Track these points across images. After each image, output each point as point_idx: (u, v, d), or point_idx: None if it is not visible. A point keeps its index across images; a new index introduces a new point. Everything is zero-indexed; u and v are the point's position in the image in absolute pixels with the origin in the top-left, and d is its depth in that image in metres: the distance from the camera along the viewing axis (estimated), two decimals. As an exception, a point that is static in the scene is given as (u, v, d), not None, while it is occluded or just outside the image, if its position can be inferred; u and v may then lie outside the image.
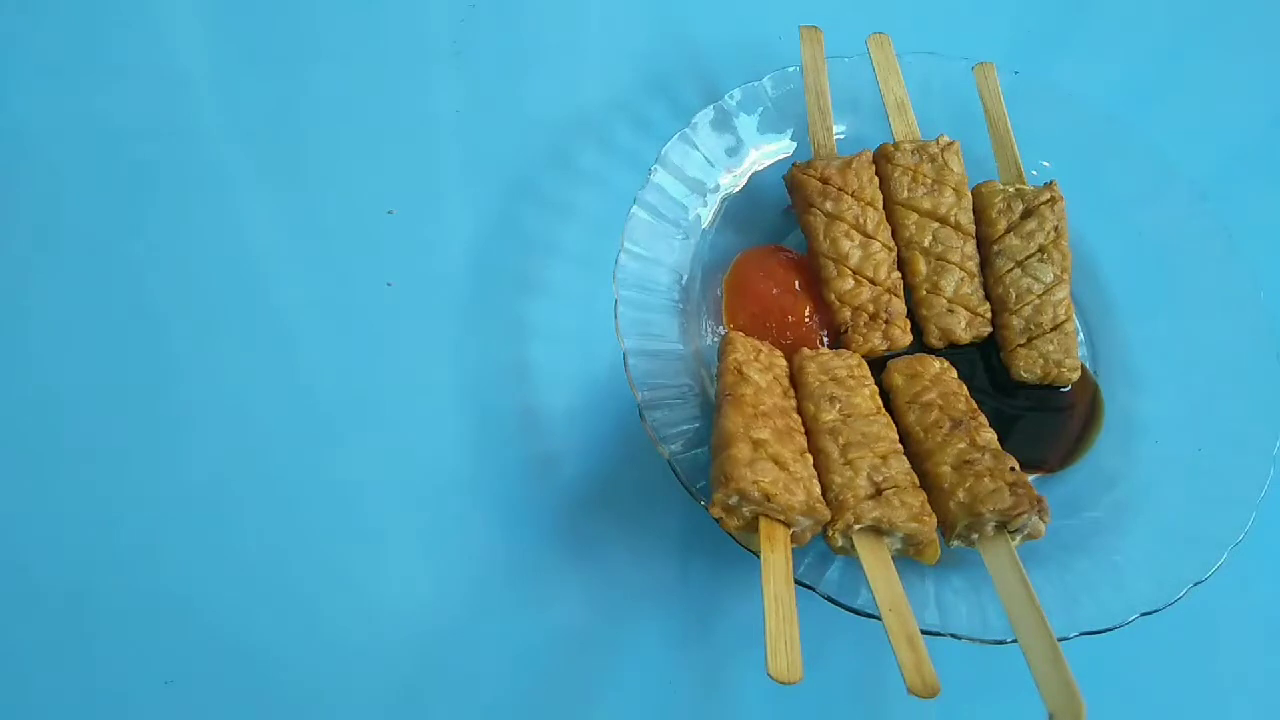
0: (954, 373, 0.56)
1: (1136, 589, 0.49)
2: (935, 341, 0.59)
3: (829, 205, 0.58)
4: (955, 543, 0.49)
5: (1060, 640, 0.41)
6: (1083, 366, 0.60)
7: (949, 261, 0.59)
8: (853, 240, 0.58)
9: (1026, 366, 0.59)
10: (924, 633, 0.42)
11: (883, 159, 0.60)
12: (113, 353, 0.56)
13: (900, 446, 0.51)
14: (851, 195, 0.58)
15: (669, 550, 0.54)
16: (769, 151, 0.64)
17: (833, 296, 0.58)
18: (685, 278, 0.59)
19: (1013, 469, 0.49)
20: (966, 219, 0.60)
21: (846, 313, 0.58)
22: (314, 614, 0.51)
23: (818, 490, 0.47)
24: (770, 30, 0.71)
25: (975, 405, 0.54)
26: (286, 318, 0.59)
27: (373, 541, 0.53)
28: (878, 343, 0.58)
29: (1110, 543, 0.52)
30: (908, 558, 0.49)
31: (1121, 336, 0.62)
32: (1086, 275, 0.63)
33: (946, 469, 0.50)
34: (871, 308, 0.58)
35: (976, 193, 0.61)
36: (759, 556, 0.44)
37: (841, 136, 0.64)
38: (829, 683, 0.52)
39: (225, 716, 0.49)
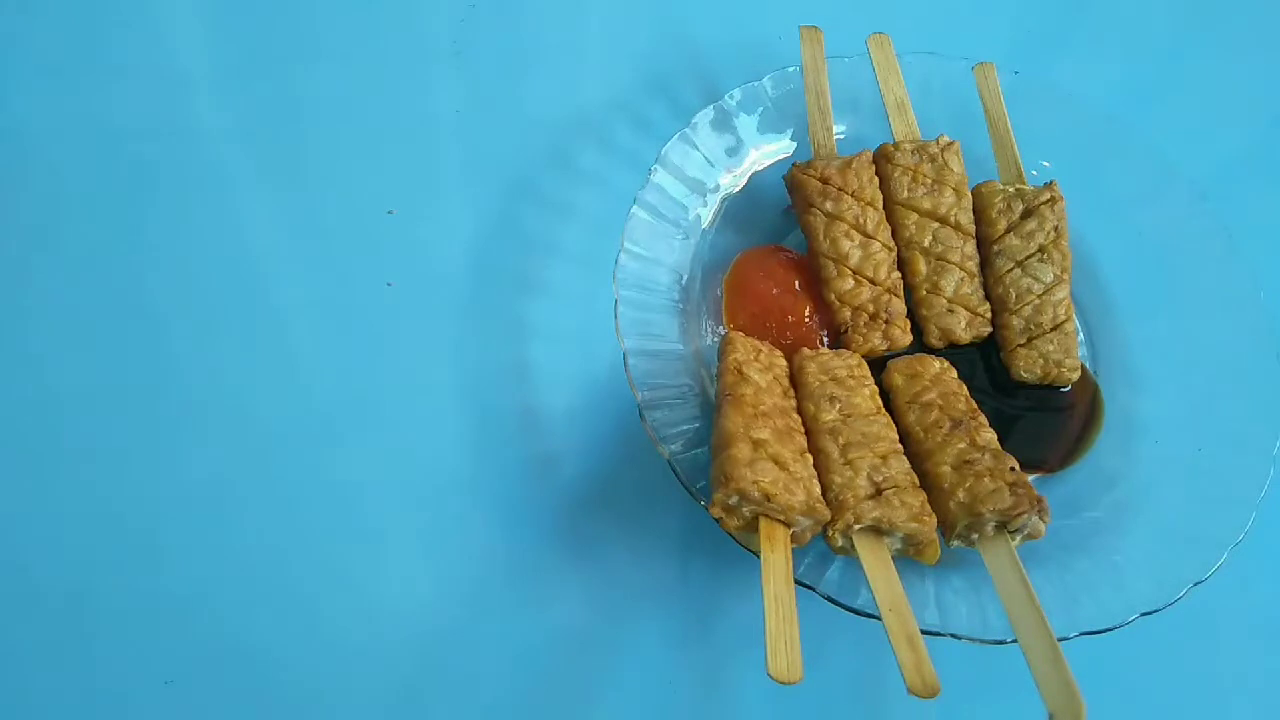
0: (954, 373, 0.56)
1: (1136, 589, 0.49)
2: (935, 341, 0.59)
3: (829, 205, 0.58)
4: (955, 543, 0.49)
5: (1060, 640, 0.41)
6: (1083, 366, 0.60)
7: (949, 261, 0.59)
8: (853, 240, 0.58)
9: (1026, 366, 0.59)
10: (924, 633, 0.42)
11: (883, 159, 0.60)
12: (113, 353, 0.56)
13: (900, 446, 0.51)
14: (851, 195, 0.58)
15: (669, 550, 0.54)
16: (769, 151, 0.64)
17: (833, 296, 0.58)
18: (685, 278, 0.59)
19: (1013, 469, 0.49)
20: (966, 219, 0.60)
21: (846, 313, 0.58)
22: (314, 614, 0.51)
23: (818, 490, 0.47)
24: (770, 30, 0.71)
25: (975, 405, 0.54)
26: (286, 318, 0.59)
27: (373, 541, 0.53)
28: (878, 343, 0.58)
29: (1110, 543, 0.52)
30: (908, 558, 0.49)
31: (1121, 336, 0.62)
32: (1086, 275, 0.63)
33: (946, 469, 0.50)
34: (871, 308, 0.58)
35: (976, 193, 0.61)
36: (759, 556, 0.44)
37: (841, 136, 0.64)
38: (829, 683, 0.52)
39: (225, 716, 0.49)
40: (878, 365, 0.57)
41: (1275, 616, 0.58)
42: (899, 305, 0.58)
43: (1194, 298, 0.61)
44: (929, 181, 0.60)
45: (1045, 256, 0.59)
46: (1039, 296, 0.59)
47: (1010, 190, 0.61)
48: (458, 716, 0.50)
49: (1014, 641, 0.42)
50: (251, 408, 0.56)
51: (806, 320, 0.58)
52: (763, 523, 0.45)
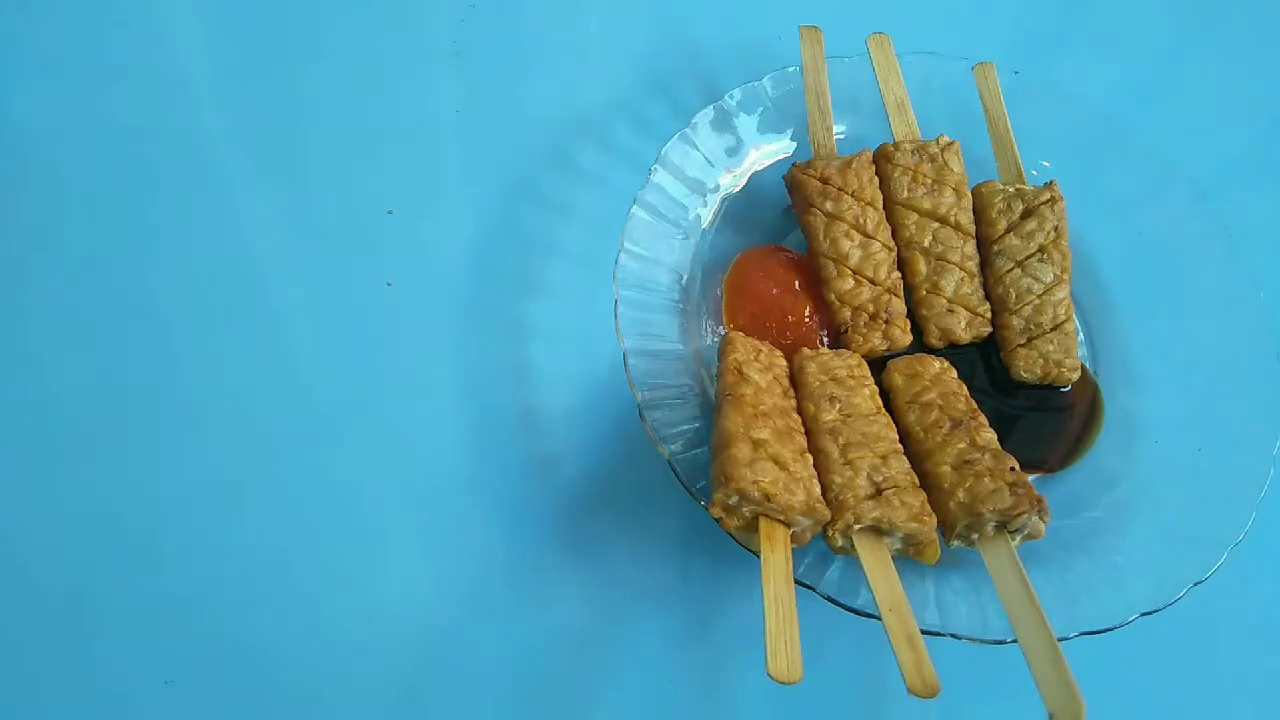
0: (954, 373, 0.56)
1: (1136, 589, 0.49)
2: (935, 341, 0.59)
3: (829, 205, 0.58)
4: (955, 543, 0.49)
5: (1060, 640, 0.41)
6: (1083, 366, 0.60)
7: (949, 261, 0.59)
8: (853, 240, 0.58)
9: (1026, 366, 0.59)
10: (924, 633, 0.42)
11: (883, 159, 0.60)
12: (113, 353, 0.56)
13: (900, 446, 0.51)
14: (851, 195, 0.58)
15: (669, 550, 0.54)
16: (769, 151, 0.64)
17: (833, 296, 0.58)
18: (685, 278, 0.59)
19: (1013, 469, 0.49)
20: (966, 219, 0.60)
21: (846, 313, 0.58)
22: (314, 614, 0.51)
23: (818, 490, 0.47)
24: (770, 30, 0.71)
25: (975, 405, 0.54)
26: (286, 318, 0.59)
27: (373, 541, 0.53)
28: (878, 343, 0.58)
29: (1110, 543, 0.52)
30: (908, 558, 0.49)
31: (1121, 336, 0.62)
32: (1086, 275, 0.63)
33: (946, 469, 0.50)
34: (871, 308, 0.58)
35: (976, 193, 0.61)
36: (759, 556, 0.44)
37: (841, 136, 0.64)
38: (829, 683, 0.52)
39: (225, 716, 0.49)
40: (878, 365, 0.57)
41: (1275, 616, 0.58)
42: (899, 305, 0.58)
43: (1194, 298, 0.61)
44: (929, 181, 0.60)
45: (1045, 256, 0.59)
46: (1039, 296, 0.59)
47: (1010, 190, 0.61)
48: (458, 716, 0.50)
49: (1014, 641, 0.42)
50: (251, 408, 0.56)
51: (806, 320, 0.58)
52: (763, 523, 0.45)
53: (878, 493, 0.48)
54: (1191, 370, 0.59)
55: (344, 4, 0.71)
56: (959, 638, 0.46)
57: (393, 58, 0.69)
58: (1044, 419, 0.59)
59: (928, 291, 0.59)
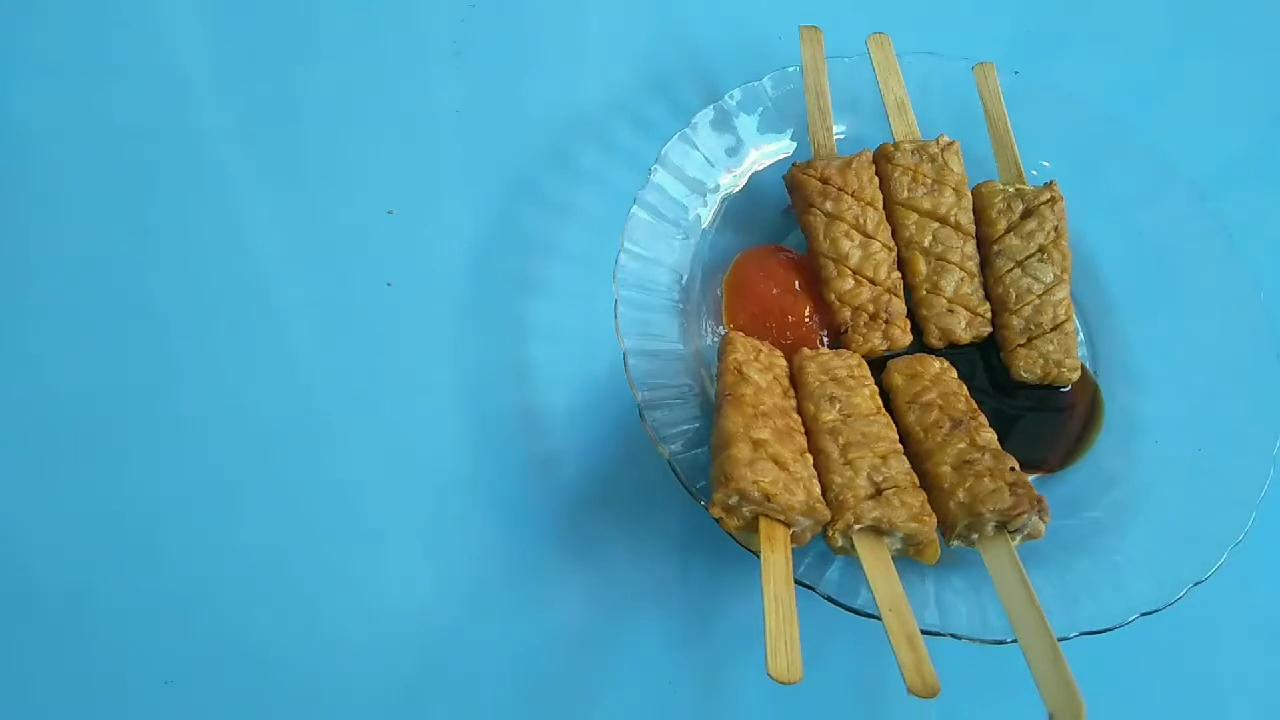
0: (954, 373, 0.56)
1: (1136, 589, 0.49)
2: (935, 341, 0.59)
3: (829, 205, 0.58)
4: (955, 543, 0.49)
5: (1060, 640, 0.41)
6: (1083, 366, 0.60)
7: (949, 261, 0.59)
8: (853, 240, 0.58)
9: (1026, 366, 0.59)
10: (924, 633, 0.42)
11: (883, 159, 0.60)
12: (113, 353, 0.56)
13: (900, 446, 0.51)
14: (851, 195, 0.58)
15: (669, 550, 0.54)
16: (769, 151, 0.64)
17: (833, 296, 0.58)
18: (685, 278, 0.59)
19: (1013, 469, 0.49)
20: (966, 219, 0.60)
21: (846, 313, 0.58)
22: (314, 614, 0.51)
23: (818, 490, 0.47)
24: (770, 30, 0.71)
25: (975, 405, 0.54)
26: (286, 318, 0.59)
27: (373, 541, 0.53)
28: (878, 343, 0.58)
29: (1110, 543, 0.52)
30: (908, 558, 0.49)
31: (1121, 336, 0.62)
32: (1086, 275, 0.63)
33: (946, 469, 0.50)
34: (871, 308, 0.58)
35: (976, 193, 0.61)
36: (759, 556, 0.44)
37: (841, 136, 0.64)
38: (829, 683, 0.52)
39: (225, 716, 0.49)
40: (878, 365, 0.57)
41: (1275, 616, 0.58)
42: (899, 305, 0.58)
43: (1194, 298, 0.61)
44: (929, 181, 0.60)
45: (1045, 256, 0.59)
46: (1039, 296, 0.59)
47: (1010, 190, 0.61)
48: (458, 716, 0.50)
49: (1014, 641, 0.42)
50: (252, 407, 0.56)
51: (806, 320, 0.58)
52: (763, 523, 0.45)
53: (878, 493, 0.48)
54: (1191, 370, 0.59)
55: (344, 4, 0.71)
56: (959, 638, 0.46)
57: (393, 58, 0.69)
58: (1044, 419, 0.59)
59: (928, 291, 0.59)
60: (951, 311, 0.59)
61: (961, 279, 0.59)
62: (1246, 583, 0.55)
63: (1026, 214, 0.60)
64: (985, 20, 0.79)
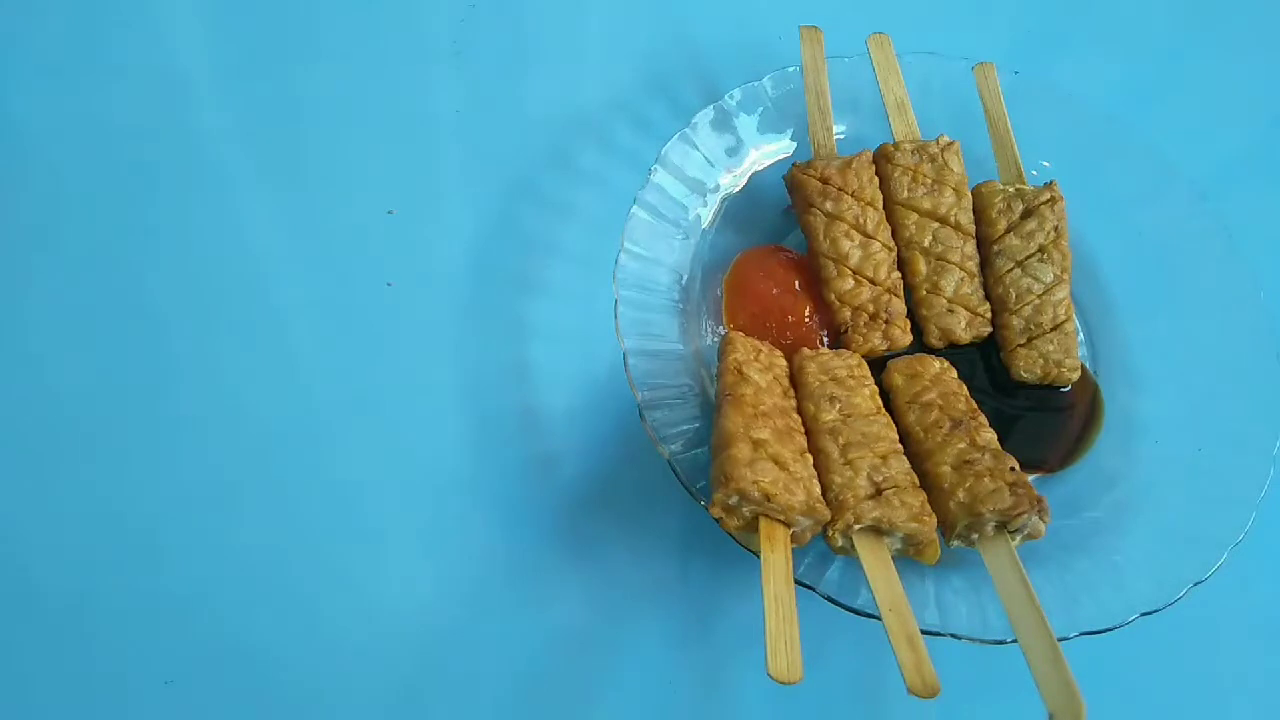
0: (954, 373, 0.56)
1: (1136, 589, 0.49)
2: (935, 341, 0.59)
3: (829, 205, 0.58)
4: (955, 543, 0.49)
5: (1060, 640, 0.41)
6: (1083, 366, 0.60)
7: (949, 261, 0.59)
8: (853, 240, 0.58)
9: (1026, 366, 0.59)
10: (924, 633, 0.42)
11: (883, 159, 0.60)
12: (113, 353, 0.56)
13: (900, 446, 0.51)
14: (851, 195, 0.58)
15: (669, 550, 0.54)
16: (769, 151, 0.64)
17: (833, 296, 0.58)
18: (685, 278, 0.59)
19: (1013, 469, 0.49)
20: (966, 219, 0.60)
21: (846, 313, 0.58)
22: (314, 614, 0.51)
23: (818, 490, 0.47)
24: (770, 30, 0.71)
25: (975, 405, 0.54)
26: (286, 318, 0.59)
27: (373, 541, 0.53)
28: (878, 343, 0.58)
29: (1110, 543, 0.52)
30: (908, 558, 0.49)
31: (1121, 336, 0.62)
32: (1086, 275, 0.63)
33: (946, 469, 0.50)
34: (871, 308, 0.58)
35: (976, 193, 0.61)
36: (759, 556, 0.44)
37: (841, 136, 0.64)
38: (829, 683, 0.52)
39: (225, 716, 0.49)
40: (878, 365, 0.57)
41: (1275, 616, 0.58)
42: (899, 305, 0.58)
43: (1194, 298, 0.61)
44: (929, 181, 0.60)
45: (1045, 256, 0.59)
46: (1039, 296, 0.59)
47: (1010, 190, 0.61)
48: (458, 716, 0.50)
49: (1014, 641, 0.42)
50: (252, 407, 0.56)
51: (806, 320, 0.58)
52: (763, 523, 0.45)
53: (878, 493, 0.48)
54: (1191, 370, 0.59)
55: (344, 4, 0.71)
56: (959, 638, 0.46)
57: (393, 58, 0.69)
58: (1044, 419, 0.59)
59: (928, 291, 0.59)
60: (951, 311, 0.59)
61: (961, 279, 0.59)
62: (1246, 583, 0.55)
63: (1026, 214, 0.60)
64: (985, 20, 0.79)
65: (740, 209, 0.62)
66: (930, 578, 0.49)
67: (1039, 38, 0.80)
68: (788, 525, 0.46)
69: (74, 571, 0.51)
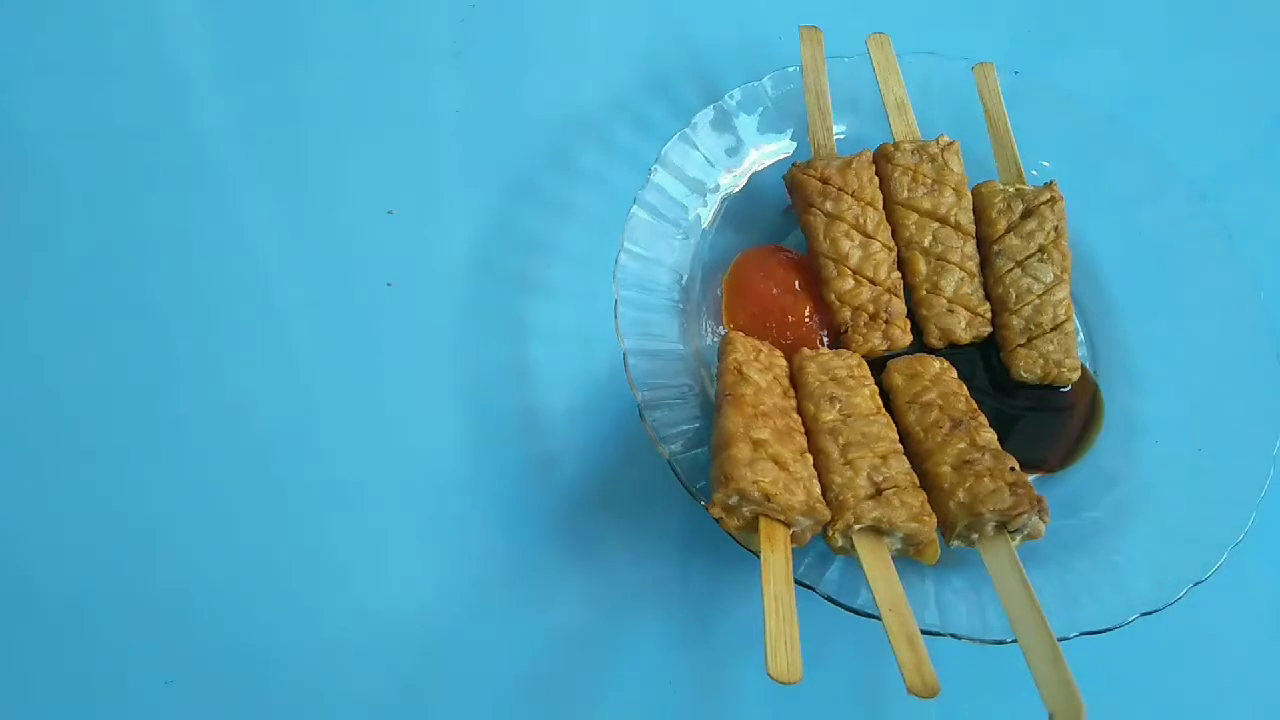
0: (954, 373, 0.56)
1: (1136, 589, 0.49)
2: (935, 341, 0.59)
3: (829, 205, 0.58)
4: (955, 543, 0.49)
5: (1060, 640, 0.41)
6: (1083, 366, 0.60)
7: (949, 261, 0.59)
8: (853, 240, 0.58)
9: (1026, 366, 0.59)
10: (924, 633, 0.42)
11: (883, 159, 0.60)
12: (113, 353, 0.56)
13: (900, 446, 0.51)
14: (851, 195, 0.58)
15: (669, 550, 0.54)
16: (769, 151, 0.64)
17: (833, 296, 0.58)
18: (685, 278, 0.59)
19: (1013, 469, 0.49)
20: (966, 219, 0.60)
21: (846, 313, 0.58)
22: (314, 614, 0.51)
23: (818, 490, 0.47)
24: (770, 30, 0.71)
25: (975, 405, 0.54)
26: (286, 317, 0.59)
27: (372, 541, 0.53)
28: (878, 343, 0.58)
29: (1110, 543, 0.52)
30: (908, 558, 0.49)
31: (1121, 336, 0.62)
32: (1086, 275, 0.63)
33: (946, 469, 0.50)
34: (871, 308, 0.58)
35: (976, 193, 0.61)
36: (759, 556, 0.44)
37: (841, 136, 0.64)
38: (829, 683, 0.52)
39: (225, 716, 0.49)
40: (878, 365, 0.57)
41: (1275, 616, 0.58)
42: (899, 305, 0.58)
43: (1194, 298, 0.61)
44: (929, 181, 0.60)
45: (1045, 256, 0.59)
46: (1039, 296, 0.59)
47: (1010, 190, 0.61)
48: (458, 716, 0.50)
49: (1014, 641, 0.42)
50: (252, 407, 0.56)
51: (806, 320, 0.58)
52: (763, 523, 0.45)
53: (878, 493, 0.48)
54: (1191, 370, 0.59)
55: (344, 4, 0.71)
56: (959, 638, 0.46)
57: (393, 58, 0.69)
58: (1044, 419, 0.59)
59: (928, 291, 0.59)
60: (951, 311, 0.59)
61: (961, 279, 0.59)
62: (1246, 583, 0.55)
63: (1026, 214, 0.60)
64: (985, 20, 0.79)
65: (740, 209, 0.62)
66: (930, 578, 0.49)
67: (1039, 38, 0.80)
68: (788, 525, 0.46)
69: (74, 571, 0.51)
